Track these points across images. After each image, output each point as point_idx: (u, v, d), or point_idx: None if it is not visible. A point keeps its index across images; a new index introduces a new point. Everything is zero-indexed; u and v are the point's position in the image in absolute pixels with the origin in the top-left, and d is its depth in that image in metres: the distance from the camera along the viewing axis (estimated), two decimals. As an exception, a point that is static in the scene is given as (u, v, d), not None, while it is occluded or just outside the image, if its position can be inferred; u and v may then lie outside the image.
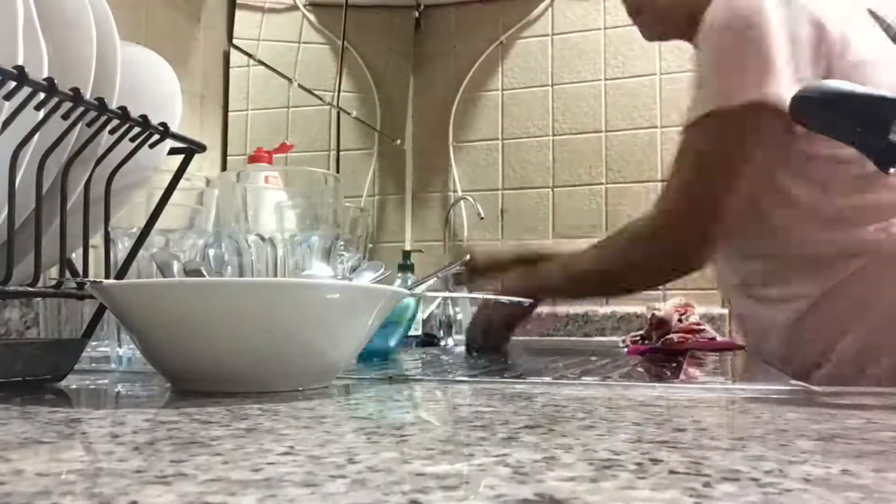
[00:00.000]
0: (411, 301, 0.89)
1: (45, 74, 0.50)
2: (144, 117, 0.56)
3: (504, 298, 0.97)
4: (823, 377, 0.90)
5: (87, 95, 0.52)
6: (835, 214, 0.89)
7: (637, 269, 0.98)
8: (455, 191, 2.01)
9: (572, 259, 1.07)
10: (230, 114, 1.49)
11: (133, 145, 0.57)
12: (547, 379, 0.61)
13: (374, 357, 0.84)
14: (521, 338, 1.22)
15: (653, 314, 1.27)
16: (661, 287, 1.67)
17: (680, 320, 1.22)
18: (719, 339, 1.27)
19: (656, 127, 1.86)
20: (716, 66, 0.89)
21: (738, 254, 1.00)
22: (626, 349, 1.18)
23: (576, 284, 1.06)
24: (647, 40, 1.12)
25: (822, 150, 0.87)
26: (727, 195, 0.88)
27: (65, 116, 0.51)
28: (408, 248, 1.91)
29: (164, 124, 0.58)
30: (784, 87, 0.82)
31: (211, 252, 0.81)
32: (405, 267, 1.58)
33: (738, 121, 0.86)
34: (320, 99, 1.75)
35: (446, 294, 1.11)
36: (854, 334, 0.88)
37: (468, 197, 1.97)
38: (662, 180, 1.82)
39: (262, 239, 0.84)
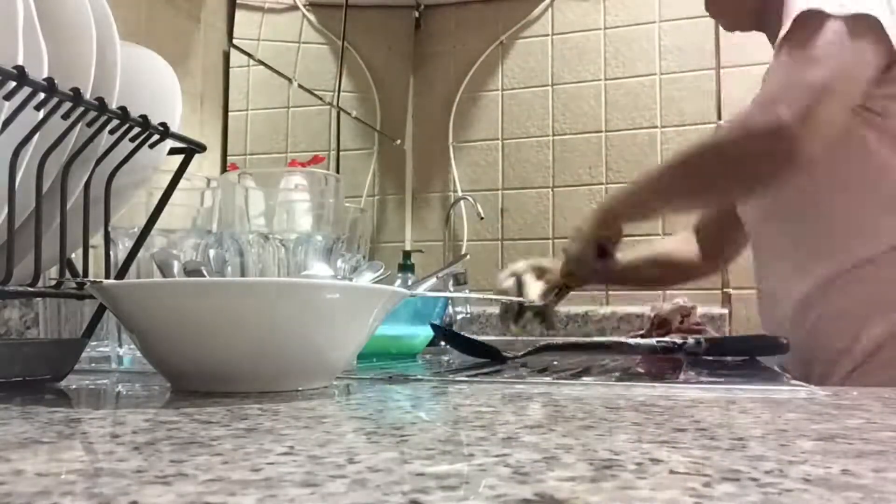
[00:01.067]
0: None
1: (45, 74, 0.50)
2: (144, 117, 0.56)
3: (504, 298, 0.97)
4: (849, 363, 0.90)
5: (87, 95, 0.52)
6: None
7: (737, 164, 0.91)
8: (455, 191, 2.01)
9: (657, 171, 1.03)
10: (230, 114, 1.49)
11: (133, 145, 0.57)
12: (547, 379, 0.61)
13: (403, 356, 0.84)
14: (524, 338, 1.22)
15: (655, 314, 1.27)
16: (666, 288, 1.67)
17: (682, 321, 1.22)
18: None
19: (656, 127, 1.86)
20: None
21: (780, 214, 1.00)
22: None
23: (666, 193, 1.00)
24: (728, 31, 1.11)
25: None
26: (831, 90, 0.85)
27: (65, 116, 0.51)
28: (408, 248, 1.92)
29: (164, 124, 0.58)
30: (883, 15, 0.83)
31: (212, 252, 0.81)
32: (405, 267, 1.58)
33: (839, 26, 0.84)
34: (320, 99, 1.75)
35: (446, 294, 1.11)
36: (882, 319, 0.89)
37: (468, 197, 1.97)
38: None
39: (265, 239, 0.84)
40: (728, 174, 0.94)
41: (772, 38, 0.99)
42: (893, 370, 0.88)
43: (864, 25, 0.84)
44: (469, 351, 0.80)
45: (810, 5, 0.85)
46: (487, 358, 0.77)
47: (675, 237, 1.32)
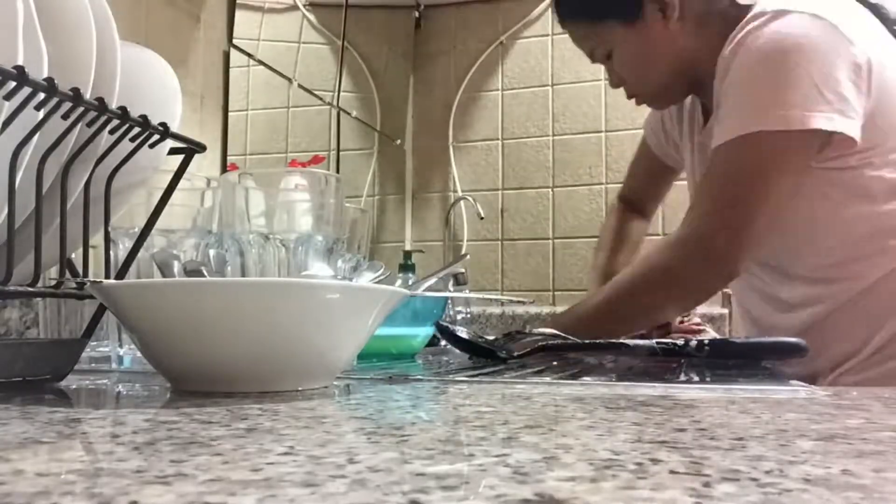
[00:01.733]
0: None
1: (45, 74, 0.50)
2: (144, 117, 0.56)
3: (504, 298, 0.97)
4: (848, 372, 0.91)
5: (87, 95, 0.52)
6: (877, 222, 0.90)
7: (672, 293, 0.95)
8: (455, 191, 2.01)
9: (582, 305, 1.01)
10: (230, 114, 1.49)
11: (133, 145, 0.57)
12: (547, 379, 0.61)
13: (402, 357, 0.84)
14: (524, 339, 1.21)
15: None
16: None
17: (681, 321, 1.22)
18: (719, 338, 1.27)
19: (656, 127, 1.86)
20: (754, 89, 0.88)
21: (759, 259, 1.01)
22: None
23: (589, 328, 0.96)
24: (659, 110, 1.13)
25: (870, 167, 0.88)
26: (761, 210, 0.88)
27: (65, 116, 0.51)
28: (408, 248, 1.92)
29: (164, 124, 0.58)
30: (828, 115, 0.84)
31: (212, 252, 0.81)
32: (406, 267, 1.58)
33: (776, 142, 0.86)
34: (320, 99, 1.75)
35: (446, 294, 1.11)
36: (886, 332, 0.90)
37: (468, 197, 1.97)
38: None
39: (265, 239, 0.84)
40: (668, 303, 0.98)
41: (708, 100, 1.00)
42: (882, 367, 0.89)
43: (798, 135, 0.85)
44: (471, 351, 0.80)
45: (741, 130, 0.87)
46: (488, 357, 0.77)
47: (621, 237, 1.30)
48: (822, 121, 0.84)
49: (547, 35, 1.99)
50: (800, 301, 0.97)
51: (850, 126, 0.85)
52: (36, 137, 0.50)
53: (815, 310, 0.95)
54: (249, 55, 1.54)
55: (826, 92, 0.84)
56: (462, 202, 1.99)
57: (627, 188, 1.31)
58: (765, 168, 0.88)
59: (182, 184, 0.62)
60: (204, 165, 1.34)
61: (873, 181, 0.89)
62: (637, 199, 1.29)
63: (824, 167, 0.89)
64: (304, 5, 1.78)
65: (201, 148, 0.62)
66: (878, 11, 0.95)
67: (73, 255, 0.61)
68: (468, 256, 1.16)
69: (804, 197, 0.91)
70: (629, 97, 1.06)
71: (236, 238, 0.84)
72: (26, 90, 0.47)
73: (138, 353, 0.66)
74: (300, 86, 1.67)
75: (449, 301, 1.22)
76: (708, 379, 0.62)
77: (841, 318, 0.93)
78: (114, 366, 0.72)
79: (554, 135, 1.95)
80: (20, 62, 0.46)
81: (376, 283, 0.79)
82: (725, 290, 1.73)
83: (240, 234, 0.84)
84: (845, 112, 0.84)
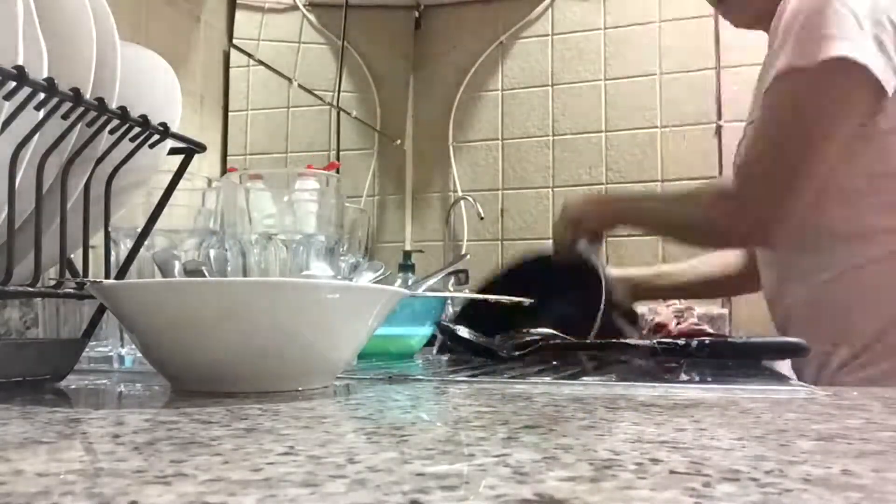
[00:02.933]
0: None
1: (45, 74, 0.50)
2: (144, 117, 0.56)
3: (504, 299, 0.96)
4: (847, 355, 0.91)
5: (87, 95, 0.52)
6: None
7: (712, 232, 1.00)
8: (455, 191, 2.01)
9: (652, 199, 1.13)
10: (230, 114, 1.49)
11: (133, 145, 0.57)
12: (547, 379, 0.61)
13: (402, 356, 0.84)
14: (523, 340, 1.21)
15: (652, 319, 1.27)
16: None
17: (678, 322, 1.22)
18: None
19: (656, 127, 1.86)
20: (799, 28, 0.87)
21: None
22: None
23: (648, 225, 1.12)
24: (735, 27, 1.11)
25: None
26: (807, 162, 0.88)
27: (65, 116, 0.51)
28: (408, 248, 1.92)
29: (163, 124, 0.58)
30: (870, 54, 0.83)
31: (212, 252, 0.81)
32: (405, 267, 1.58)
33: (819, 77, 0.85)
34: (320, 99, 1.75)
35: (447, 294, 1.10)
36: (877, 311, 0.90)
37: (468, 197, 1.97)
38: (663, 180, 1.83)
39: (267, 239, 0.84)
40: (699, 240, 1.07)
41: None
42: (887, 363, 0.89)
43: (841, 67, 0.84)
44: (472, 350, 0.80)
45: (800, 60, 0.86)
46: (489, 357, 0.77)
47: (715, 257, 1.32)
48: (860, 54, 0.83)
49: (547, 35, 1.99)
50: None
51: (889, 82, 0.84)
52: (36, 137, 0.50)
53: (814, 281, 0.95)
54: (249, 55, 1.54)
55: (864, 32, 0.84)
56: (462, 202, 1.99)
57: None
58: (809, 105, 0.87)
59: (183, 184, 0.62)
60: (204, 165, 1.34)
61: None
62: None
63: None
64: (304, 5, 1.78)
65: (201, 148, 0.62)
66: None
67: (73, 255, 0.61)
68: (468, 256, 1.16)
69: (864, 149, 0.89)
70: (714, 3, 1.08)
71: (238, 238, 0.84)
72: (26, 90, 0.47)
73: (139, 353, 0.66)
74: (300, 86, 1.67)
75: (449, 301, 1.22)
76: (709, 379, 0.62)
77: (837, 293, 0.94)
78: (115, 366, 0.72)
79: (554, 135, 1.95)
80: (20, 62, 0.46)
81: (376, 283, 0.79)
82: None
83: (242, 234, 0.84)
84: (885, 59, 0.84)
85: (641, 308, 1.73)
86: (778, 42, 0.90)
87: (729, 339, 0.90)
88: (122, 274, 0.61)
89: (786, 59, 0.87)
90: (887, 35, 0.85)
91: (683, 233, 1.08)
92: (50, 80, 0.48)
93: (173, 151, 0.63)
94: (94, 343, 0.74)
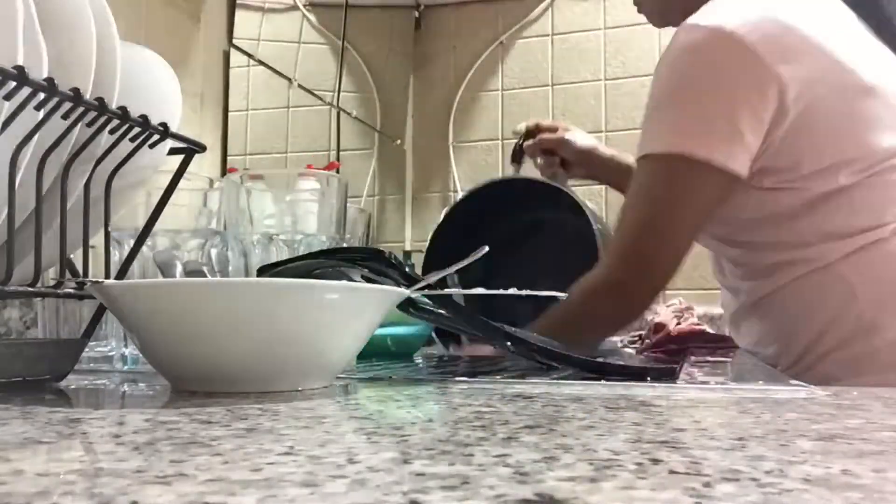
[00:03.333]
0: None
1: (45, 74, 0.50)
2: (144, 117, 0.56)
3: (511, 292, 0.95)
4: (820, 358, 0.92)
5: (87, 95, 0.52)
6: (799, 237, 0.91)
7: (590, 323, 0.95)
8: (455, 191, 2.01)
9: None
10: (230, 114, 1.49)
11: (133, 145, 0.57)
12: (547, 379, 0.61)
13: (401, 356, 0.84)
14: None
15: (651, 319, 1.27)
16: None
17: (678, 323, 1.22)
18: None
19: (656, 127, 1.86)
20: (658, 106, 0.90)
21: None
22: (627, 349, 1.18)
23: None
24: (656, 27, 1.13)
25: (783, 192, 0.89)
26: (671, 248, 0.89)
27: (65, 116, 0.51)
28: (408, 248, 1.92)
29: (164, 124, 0.58)
30: (721, 146, 0.84)
31: (213, 252, 0.81)
32: (405, 267, 1.57)
33: (667, 168, 0.87)
34: (320, 99, 1.75)
35: (451, 291, 1.10)
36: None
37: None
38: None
39: (269, 240, 0.84)
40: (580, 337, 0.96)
41: None
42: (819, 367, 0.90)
43: (685, 161, 0.85)
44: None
45: (652, 149, 0.87)
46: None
47: None
48: (721, 156, 0.84)
49: (547, 35, 1.99)
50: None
51: (741, 164, 0.85)
52: (36, 137, 0.50)
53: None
54: (249, 55, 1.54)
55: (723, 123, 0.84)
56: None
57: None
58: (675, 195, 0.88)
59: (183, 184, 0.62)
60: (204, 165, 1.34)
61: (783, 199, 0.89)
62: None
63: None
64: (304, 5, 1.78)
65: (201, 148, 0.62)
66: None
67: (72, 256, 0.61)
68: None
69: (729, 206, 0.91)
70: (634, 2, 1.09)
71: (240, 239, 0.84)
72: (26, 90, 0.47)
73: (138, 353, 0.66)
74: (300, 86, 1.67)
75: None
76: (704, 378, 0.62)
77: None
78: (118, 366, 0.72)
79: (554, 135, 1.95)
80: (20, 62, 0.46)
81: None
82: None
83: (244, 234, 0.84)
84: (735, 146, 0.85)
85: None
86: (649, 101, 0.91)
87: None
88: (122, 274, 0.61)
89: (643, 141, 0.89)
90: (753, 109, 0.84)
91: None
92: (50, 80, 0.48)
93: (173, 151, 0.63)
94: (94, 343, 0.74)
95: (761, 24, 0.86)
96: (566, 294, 0.94)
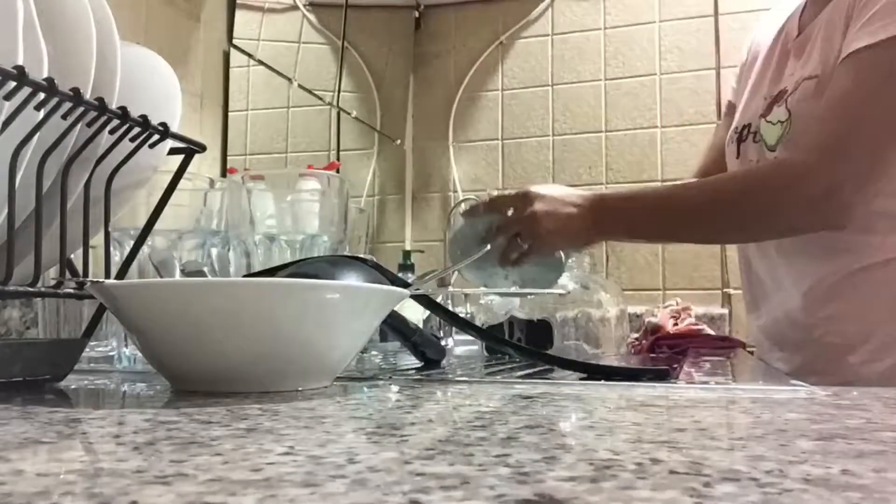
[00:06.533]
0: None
1: (45, 74, 0.50)
2: (144, 117, 0.56)
3: (512, 291, 0.95)
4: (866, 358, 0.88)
5: (87, 95, 0.52)
6: None
7: (770, 213, 0.85)
8: (455, 191, 2.01)
9: (671, 192, 0.95)
10: (230, 114, 1.49)
11: (133, 145, 0.57)
12: (547, 379, 0.61)
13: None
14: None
15: (647, 321, 1.27)
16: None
17: (676, 323, 1.22)
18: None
19: (656, 127, 1.86)
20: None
21: None
22: (630, 349, 1.18)
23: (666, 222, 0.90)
24: None
25: None
26: (881, 136, 0.81)
27: (65, 116, 0.51)
28: (408, 247, 1.91)
29: (164, 124, 0.58)
30: None
31: (214, 251, 0.81)
32: (405, 267, 1.58)
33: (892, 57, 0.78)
34: (320, 99, 1.75)
35: (451, 291, 1.10)
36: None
37: (472, 197, 1.97)
38: (663, 180, 1.83)
39: (270, 240, 0.84)
40: (756, 221, 0.87)
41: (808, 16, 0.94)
42: None
43: None
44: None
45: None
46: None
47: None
48: None
49: (547, 35, 1.99)
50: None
51: None
52: (36, 137, 0.50)
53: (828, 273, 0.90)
54: (249, 55, 1.54)
55: None
56: (463, 205, 1.99)
57: (697, 169, 1.21)
58: (888, 86, 0.78)
59: (183, 184, 0.62)
60: (204, 165, 1.34)
61: None
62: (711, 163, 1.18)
63: None
64: (304, 5, 1.78)
65: (201, 148, 0.62)
66: None
67: (73, 256, 0.61)
68: (489, 247, 1.10)
69: None
70: None
71: (242, 239, 0.84)
72: (26, 90, 0.47)
73: (139, 354, 0.66)
74: (300, 86, 1.67)
75: (448, 299, 1.21)
76: (704, 378, 0.62)
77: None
78: (118, 366, 0.72)
79: (554, 135, 1.95)
80: (20, 62, 0.46)
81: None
82: (726, 289, 1.74)
83: (245, 235, 0.84)
84: None
85: (639, 309, 1.73)
86: (860, 6, 0.83)
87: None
88: (122, 274, 0.61)
89: (882, 27, 0.79)
90: None
91: (711, 222, 0.89)
92: (50, 80, 0.48)
93: (173, 151, 0.63)
94: (94, 343, 0.74)
95: None
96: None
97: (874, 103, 0.81)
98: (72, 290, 0.55)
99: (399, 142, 2.02)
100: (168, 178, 0.61)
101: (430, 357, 0.74)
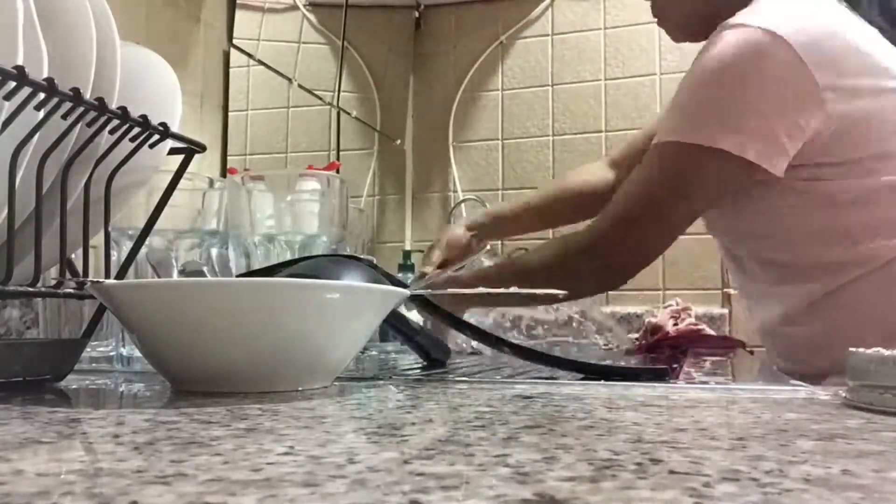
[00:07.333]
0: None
1: (45, 74, 0.50)
2: (144, 117, 0.56)
3: (512, 291, 0.95)
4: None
5: (87, 95, 0.52)
6: (839, 230, 0.89)
7: (575, 280, 0.95)
8: (455, 191, 2.01)
9: (510, 262, 1.08)
10: (230, 114, 1.49)
11: (133, 145, 0.57)
12: (547, 379, 0.61)
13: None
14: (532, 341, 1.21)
15: (647, 321, 1.27)
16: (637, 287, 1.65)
17: (675, 324, 1.22)
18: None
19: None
20: (693, 98, 0.89)
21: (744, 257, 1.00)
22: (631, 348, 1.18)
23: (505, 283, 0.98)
24: (675, 41, 1.11)
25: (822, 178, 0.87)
26: (666, 228, 0.90)
27: (65, 116, 0.51)
28: (408, 247, 1.91)
29: (164, 124, 0.58)
30: (756, 142, 0.83)
31: (213, 252, 0.81)
32: (405, 267, 1.58)
33: (693, 158, 0.86)
34: (320, 99, 1.75)
35: (451, 292, 1.09)
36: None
37: (472, 197, 1.97)
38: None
39: (270, 240, 0.84)
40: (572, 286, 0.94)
41: None
42: None
43: (713, 155, 0.84)
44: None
45: (681, 136, 0.86)
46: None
47: (585, 170, 1.34)
48: (746, 151, 0.83)
49: (547, 35, 1.99)
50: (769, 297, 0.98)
51: (777, 163, 0.84)
52: (36, 137, 0.50)
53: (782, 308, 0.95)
54: (249, 55, 1.54)
55: (759, 120, 0.84)
56: (463, 205, 1.99)
57: (610, 159, 1.32)
58: (685, 181, 0.88)
59: (183, 184, 0.62)
60: (204, 165, 1.34)
61: (838, 190, 0.87)
62: (621, 156, 1.29)
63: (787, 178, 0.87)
64: (304, 5, 1.78)
65: (201, 148, 0.62)
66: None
67: (73, 256, 0.61)
68: (489, 246, 1.12)
69: (768, 202, 0.90)
70: (654, 15, 1.07)
71: (242, 239, 0.84)
72: (26, 90, 0.47)
73: (138, 354, 0.66)
74: (300, 86, 1.67)
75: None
76: (704, 378, 0.62)
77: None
78: (118, 366, 0.72)
79: (554, 135, 1.95)
80: (20, 62, 0.46)
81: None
82: (726, 289, 1.74)
83: (245, 235, 0.84)
84: (772, 145, 0.84)
85: (639, 309, 1.73)
86: (681, 93, 0.90)
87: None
88: (122, 274, 0.61)
89: (676, 126, 0.88)
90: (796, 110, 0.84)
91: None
92: (50, 80, 0.48)
93: (173, 151, 0.63)
94: (94, 343, 0.74)
95: (806, 28, 0.85)
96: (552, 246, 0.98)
97: (658, 190, 0.90)
98: (72, 290, 0.55)
99: (399, 142, 2.02)
100: (168, 178, 0.61)
101: (435, 357, 0.75)
